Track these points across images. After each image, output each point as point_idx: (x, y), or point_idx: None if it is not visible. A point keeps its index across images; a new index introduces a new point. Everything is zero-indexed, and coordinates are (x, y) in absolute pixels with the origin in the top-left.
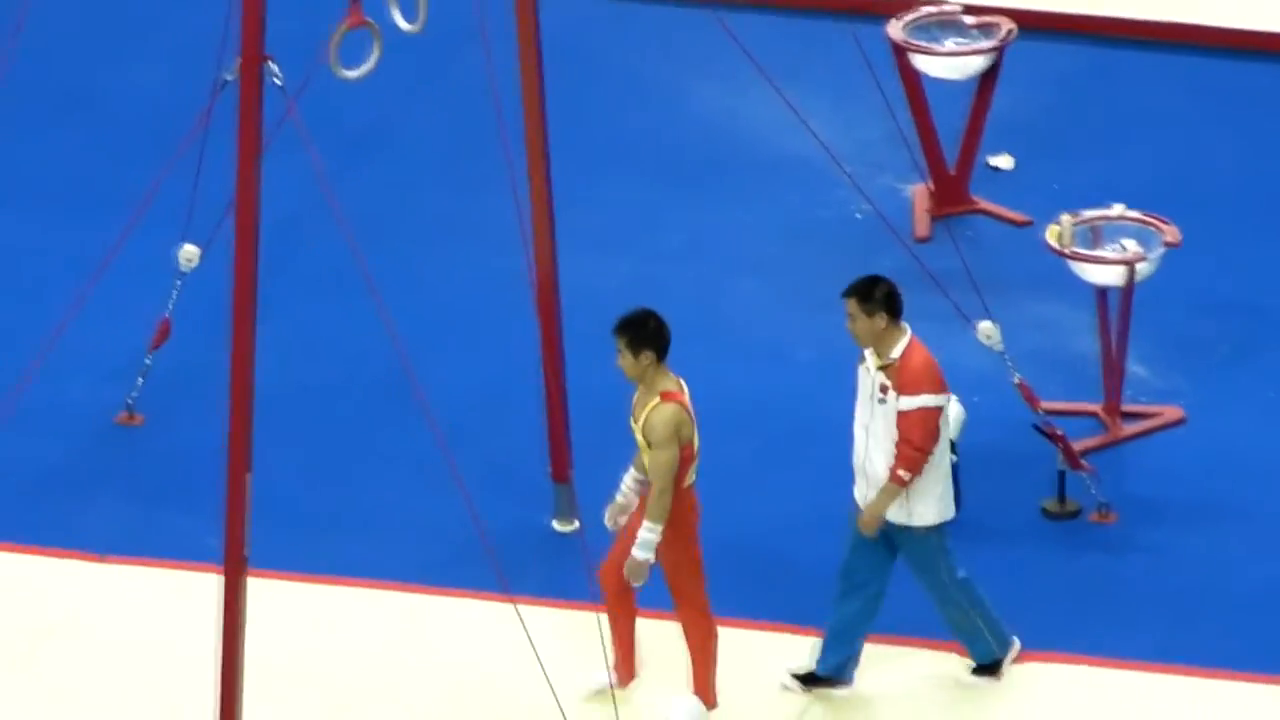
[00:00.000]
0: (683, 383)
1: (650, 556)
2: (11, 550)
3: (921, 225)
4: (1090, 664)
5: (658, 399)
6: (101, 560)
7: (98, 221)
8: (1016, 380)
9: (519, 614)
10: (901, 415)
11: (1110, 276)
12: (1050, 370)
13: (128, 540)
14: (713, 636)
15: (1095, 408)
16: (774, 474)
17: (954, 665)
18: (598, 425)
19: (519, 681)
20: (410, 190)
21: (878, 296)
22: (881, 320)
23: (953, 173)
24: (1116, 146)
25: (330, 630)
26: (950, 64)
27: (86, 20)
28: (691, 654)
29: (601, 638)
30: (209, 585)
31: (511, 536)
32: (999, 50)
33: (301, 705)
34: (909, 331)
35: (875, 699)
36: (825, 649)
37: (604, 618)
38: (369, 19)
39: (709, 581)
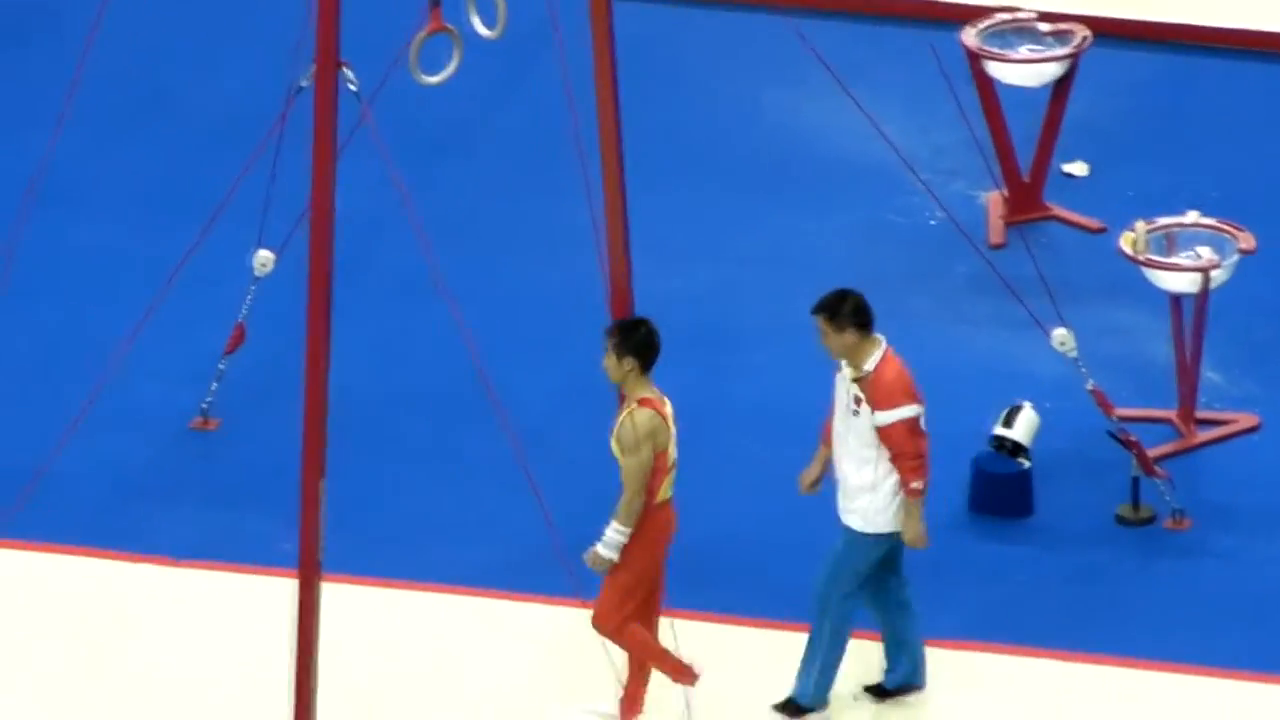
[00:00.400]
0: (666, 399)
1: (612, 555)
2: (88, 554)
3: (996, 232)
4: (1164, 670)
5: (634, 405)
6: (176, 564)
7: (174, 225)
8: (1090, 386)
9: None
10: (883, 431)
11: (1185, 283)
12: (1124, 376)
13: (203, 545)
14: (634, 643)
15: (1170, 414)
16: None
17: (1023, 668)
18: None
19: (593, 686)
20: (485, 195)
21: (845, 312)
22: (851, 335)
23: (1027, 179)
24: (1191, 153)
25: (404, 635)
26: (1025, 71)
27: (164, 25)
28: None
29: (675, 642)
30: (284, 590)
31: (586, 542)
32: (1074, 57)
33: (376, 709)
34: (883, 343)
35: (937, 705)
36: (889, 661)
37: (677, 622)
38: (449, 24)
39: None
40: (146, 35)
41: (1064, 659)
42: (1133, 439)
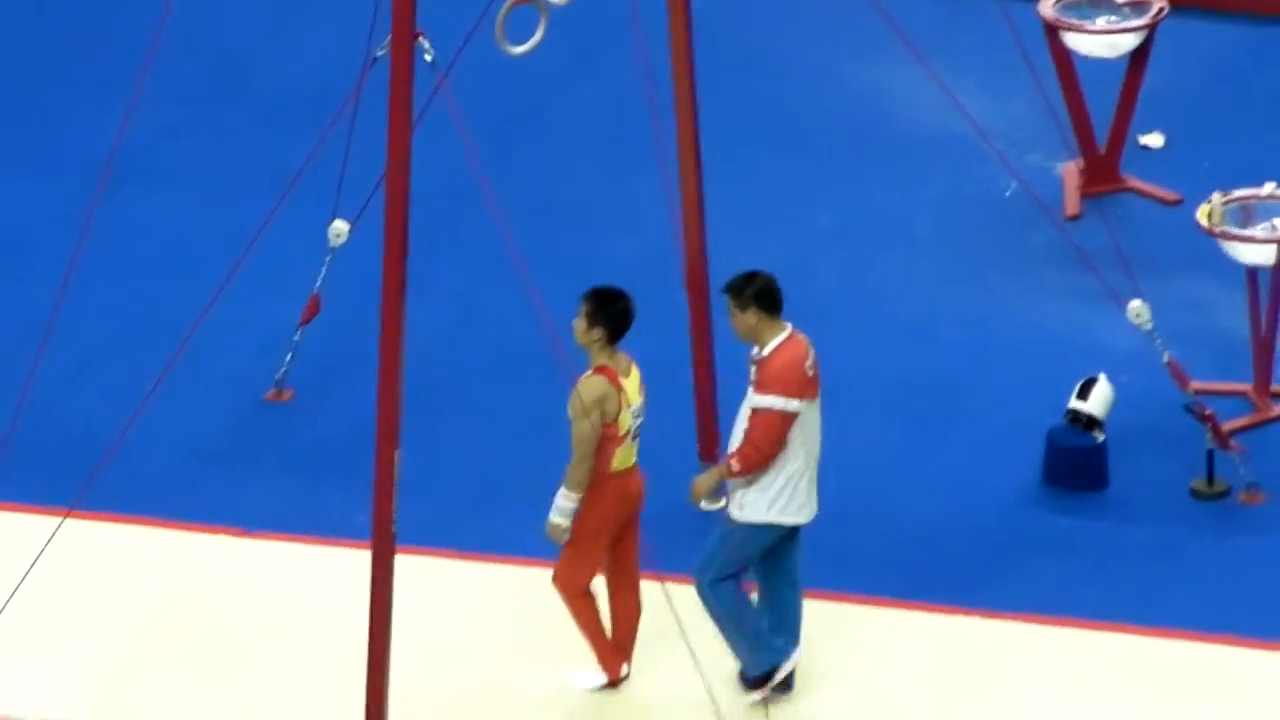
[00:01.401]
0: (634, 368)
1: (562, 521)
2: (163, 525)
3: (1071, 203)
4: (1238, 645)
5: (589, 373)
6: (250, 536)
7: (250, 196)
8: (1166, 359)
9: (666, 593)
10: (752, 412)
11: (1261, 256)
12: (1200, 349)
13: (277, 516)
14: (581, 613)
15: (1245, 388)
16: (922, 451)
17: (1095, 641)
18: None
19: (668, 661)
20: (561, 167)
21: (749, 294)
22: (753, 317)
23: (1103, 151)
24: (1268, 125)
25: (480, 606)
26: (1101, 42)
27: None
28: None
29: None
30: (358, 561)
31: (660, 516)
32: (1150, 28)
33: (448, 680)
34: (786, 330)
35: (1009, 677)
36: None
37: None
38: None
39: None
40: (221, 5)
41: (1137, 633)
42: (1208, 412)
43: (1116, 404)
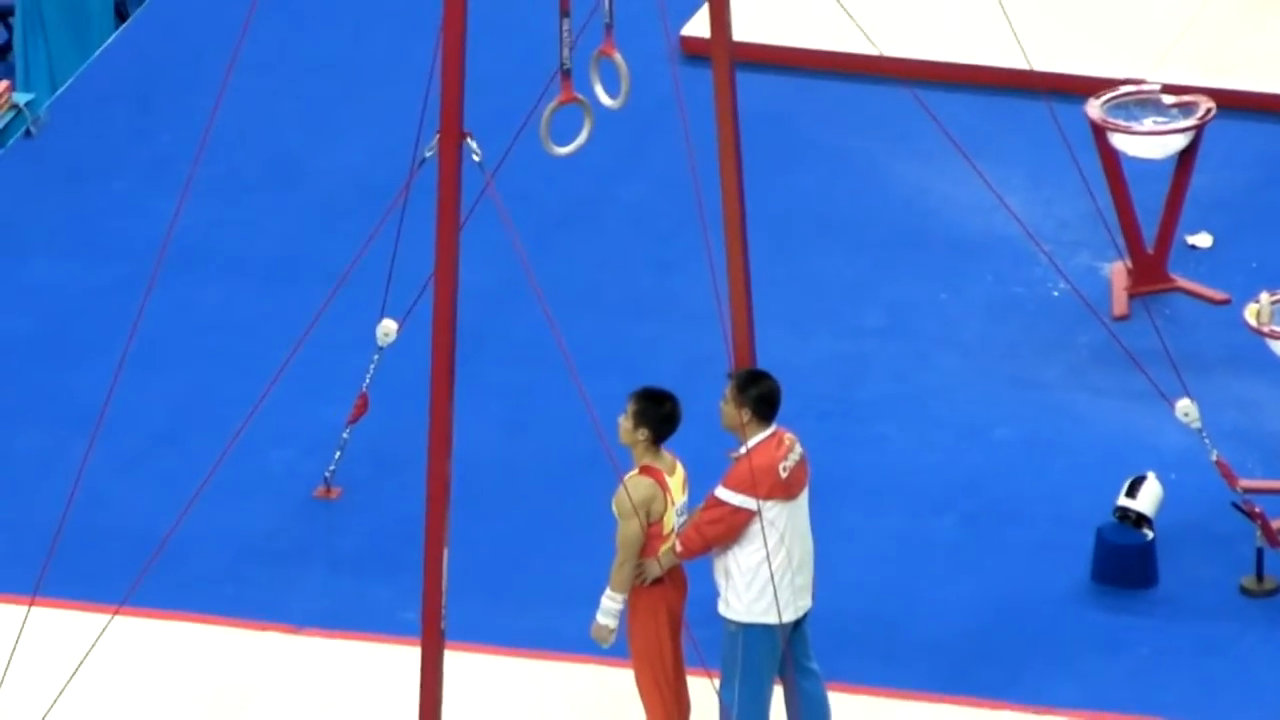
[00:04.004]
0: (679, 466)
1: (608, 622)
2: (212, 622)
3: (1120, 303)
4: None
5: (635, 472)
6: (299, 633)
7: (299, 294)
8: (1215, 458)
9: (715, 687)
10: (711, 498)
11: None
12: (1249, 448)
13: (326, 613)
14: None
15: None
16: (971, 548)
17: None
18: None
19: None
20: (608, 265)
21: (750, 394)
22: (746, 415)
23: (1151, 251)
24: None
25: (527, 704)
26: (1149, 143)
27: (289, 94)
28: None
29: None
30: (407, 659)
31: (708, 611)
32: (1198, 129)
33: None
34: (770, 430)
35: None
36: None
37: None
38: (580, 95)
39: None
40: (272, 104)
41: None
42: (1257, 510)
43: (1165, 502)
